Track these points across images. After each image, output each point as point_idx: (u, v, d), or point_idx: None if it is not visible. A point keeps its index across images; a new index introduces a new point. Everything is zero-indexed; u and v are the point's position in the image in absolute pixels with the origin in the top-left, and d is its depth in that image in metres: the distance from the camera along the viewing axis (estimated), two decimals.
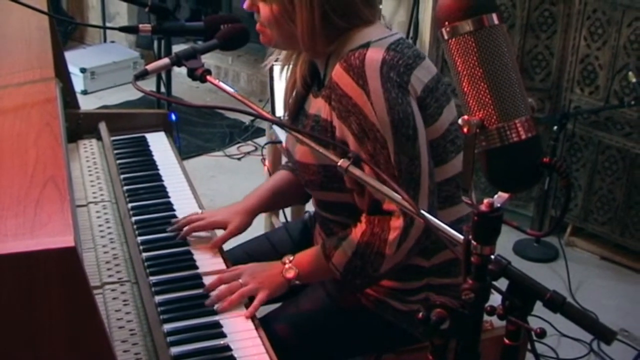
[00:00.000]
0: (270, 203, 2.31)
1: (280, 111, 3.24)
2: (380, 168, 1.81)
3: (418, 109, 1.87)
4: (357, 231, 1.92)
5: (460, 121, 1.18)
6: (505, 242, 4.06)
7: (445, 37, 1.20)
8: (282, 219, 3.33)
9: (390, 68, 1.83)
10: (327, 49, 1.94)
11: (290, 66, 2.13)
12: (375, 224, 1.89)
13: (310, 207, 2.32)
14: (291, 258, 1.99)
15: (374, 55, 1.84)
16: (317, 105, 1.97)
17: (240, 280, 1.94)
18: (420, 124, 1.87)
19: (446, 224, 1.38)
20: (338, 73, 1.85)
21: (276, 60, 2.18)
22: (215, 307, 1.87)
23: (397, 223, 1.86)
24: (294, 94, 2.13)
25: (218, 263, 2.06)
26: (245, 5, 2.01)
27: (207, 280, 1.96)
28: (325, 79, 1.99)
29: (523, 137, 1.18)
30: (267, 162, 3.49)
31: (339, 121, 1.87)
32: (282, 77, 2.18)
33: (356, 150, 1.84)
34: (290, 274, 1.97)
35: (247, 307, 1.89)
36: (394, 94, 1.82)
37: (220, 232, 2.17)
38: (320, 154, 1.62)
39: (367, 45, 1.86)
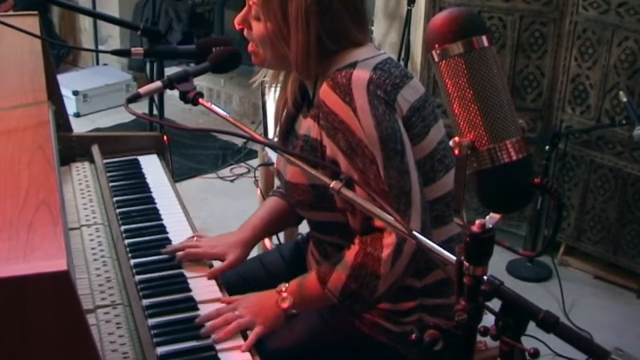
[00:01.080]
0: (265, 232, 2.29)
1: (272, 133, 3.25)
2: (370, 184, 1.82)
3: (404, 128, 1.87)
4: (351, 253, 1.91)
5: (451, 143, 1.19)
6: (499, 262, 4.06)
7: (436, 59, 1.21)
8: (274, 240, 3.32)
9: (377, 86, 1.84)
10: (317, 68, 1.94)
11: (279, 85, 2.13)
12: (368, 244, 1.88)
13: (302, 228, 2.32)
14: (286, 286, 1.96)
15: (361, 74, 1.84)
16: (307, 125, 1.97)
17: (236, 312, 1.92)
18: (407, 141, 1.87)
19: (437, 243, 1.38)
20: (325, 91, 1.86)
21: (264, 77, 2.17)
22: (212, 338, 1.86)
23: (389, 240, 1.85)
24: (284, 113, 2.13)
25: (211, 285, 2.05)
26: (236, 21, 2.00)
27: (202, 307, 1.95)
28: (314, 99, 1.99)
29: (514, 158, 1.18)
30: (259, 184, 3.49)
31: (328, 139, 1.87)
32: (273, 97, 2.18)
33: (346, 167, 1.84)
34: (286, 304, 1.94)
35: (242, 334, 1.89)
36: (381, 110, 1.83)
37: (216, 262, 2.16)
38: (311, 174, 1.62)
39: (354, 65, 1.87)
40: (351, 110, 1.82)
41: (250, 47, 2.01)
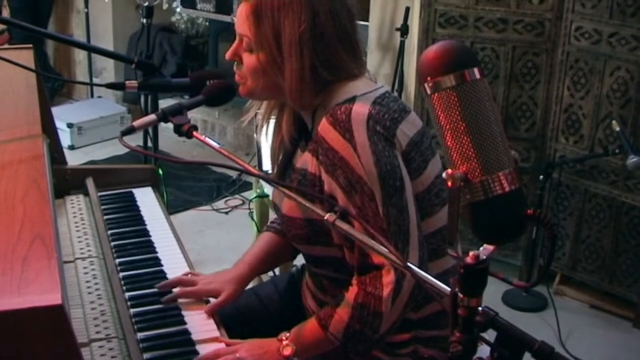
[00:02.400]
0: (260, 269, 2.29)
1: (267, 165, 3.25)
2: (368, 221, 1.81)
3: (403, 163, 1.88)
4: (350, 295, 1.89)
5: (444, 175, 1.19)
6: (494, 292, 4.06)
7: (428, 92, 1.21)
8: (269, 272, 3.32)
9: (377, 122, 1.84)
10: (313, 101, 1.94)
11: (272, 122, 2.13)
12: (368, 284, 1.87)
13: (298, 261, 2.32)
14: (287, 334, 1.95)
15: (360, 109, 1.84)
16: (304, 159, 1.97)
17: (237, 355, 1.90)
18: (407, 177, 1.87)
19: (433, 276, 1.38)
20: (324, 127, 1.85)
21: (255, 115, 2.17)
22: None
23: (388, 278, 1.84)
24: (281, 153, 2.13)
25: (207, 318, 2.05)
26: (227, 55, 2.01)
27: (199, 345, 1.94)
28: (312, 132, 1.99)
29: (507, 189, 1.19)
30: (254, 216, 3.49)
31: (327, 175, 1.87)
32: (266, 133, 2.18)
33: (345, 204, 1.84)
34: (288, 351, 1.92)
35: None
36: (381, 146, 1.83)
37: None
38: (307, 208, 1.62)
39: (353, 100, 1.86)
40: (351, 147, 1.81)
41: (237, 77, 2.00)
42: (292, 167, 2.06)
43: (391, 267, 1.84)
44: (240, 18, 1.95)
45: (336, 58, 1.91)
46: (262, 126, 2.16)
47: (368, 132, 1.82)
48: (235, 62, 2.00)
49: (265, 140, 2.18)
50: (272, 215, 2.43)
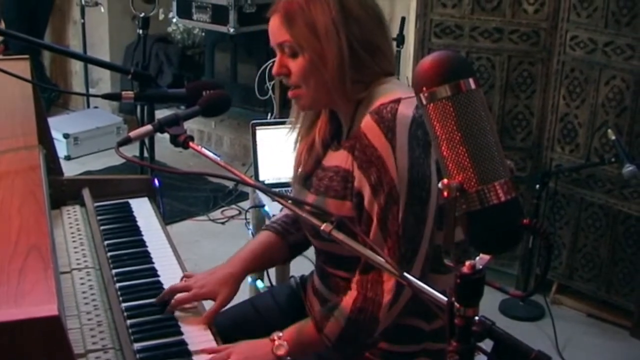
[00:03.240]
0: (255, 266, 2.27)
1: (263, 175, 3.25)
2: (386, 222, 1.84)
3: (436, 171, 1.88)
4: (349, 298, 1.90)
5: (440, 185, 1.19)
6: (491, 301, 4.05)
7: (424, 102, 1.22)
8: (266, 282, 3.32)
9: (419, 126, 1.85)
10: (356, 95, 1.96)
11: (303, 129, 2.14)
12: (368, 289, 1.88)
13: (294, 271, 2.31)
14: (280, 334, 1.95)
15: (406, 112, 1.85)
16: (338, 158, 1.98)
17: (230, 358, 1.90)
18: (435, 188, 1.87)
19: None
20: (368, 124, 1.87)
21: (296, 124, 2.16)
22: None
23: (390, 285, 1.86)
24: (309, 157, 2.11)
25: (203, 328, 2.04)
26: (274, 70, 2.01)
27: (198, 359, 1.93)
28: (351, 130, 2.00)
29: (502, 199, 1.19)
30: (251, 226, 3.49)
31: (359, 171, 1.89)
32: (266, 141, 2.18)
33: (369, 200, 1.86)
34: (281, 351, 1.92)
35: None
36: (418, 152, 1.84)
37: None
38: (340, 206, 1.66)
39: (398, 101, 1.88)
40: (390, 148, 1.83)
41: (291, 93, 2.02)
42: (322, 167, 2.05)
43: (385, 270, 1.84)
44: (274, 29, 1.97)
45: (373, 37, 1.94)
46: (299, 133, 2.15)
47: (409, 135, 1.84)
48: (283, 78, 2.01)
49: (294, 150, 2.17)
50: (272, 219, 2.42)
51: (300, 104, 2.04)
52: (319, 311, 1.99)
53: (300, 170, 2.15)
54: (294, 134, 2.17)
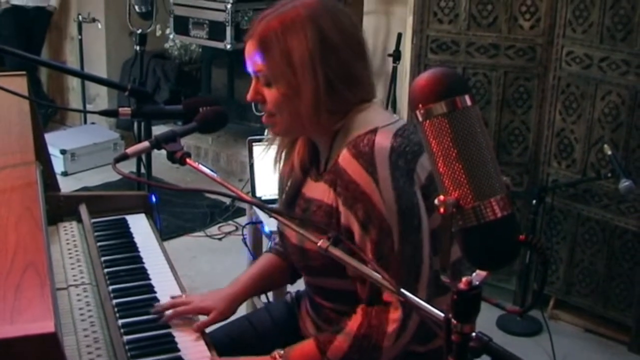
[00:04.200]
0: (257, 289, 2.28)
1: (260, 191, 3.25)
2: (383, 256, 1.81)
3: (422, 198, 1.86)
4: (354, 323, 1.89)
5: (436, 201, 1.19)
6: (489, 317, 4.05)
7: (420, 119, 1.22)
8: (263, 299, 3.32)
9: (399, 155, 1.83)
10: (332, 125, 1.93)
11: (284, 153, 2.11)
12: (373, 316, 1.87)
13: (292, 287, 2.31)
14: (280, 352, 1.94)
15: (383, 142, 1.82)
16: (319, 191, 1.95)
17: None
18: (424, 214, 1.86)
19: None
20: (346, 159, 1.84)
21: (274, 142, 2.14)
22: None
23: (395, 315, 1.84)
24: (289, 182, 2.10)
25: (200, 345, 2.04)
26: (248, 97, 1.98)
27: None
28: (329, 160, 1.97)
29: (499, 215, 1.19)
30: (248, 242, 3.49)
31: (344, 207, 1.86)
32: (263, 158, 2.17)
33: (360, 237, 1.83)
34: None
35: None
36: (402, 182, 1.82)
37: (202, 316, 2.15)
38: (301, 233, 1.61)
39: (375, 131, 1.85)
40: (373, 182, 1.80)
41: (265, 119, 1.98)
42: (302, 197, 2.03)
43: (399, 305, 1.83)
44: (250, 56, 1.92)
45: (352, 68, 1.89)
46: (279, 158, 2.13)
47: (391, 166, 1.81)
48: (259, 104, 1.98)
49: (275, 170, 2.16)
50: (266, 242, 2.43)
51: (273, 131, 2.02)
52: (322, 334, 1.96)
53: (283, 195, 2.14)
54: (272, 153, 2.14)
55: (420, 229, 1.85)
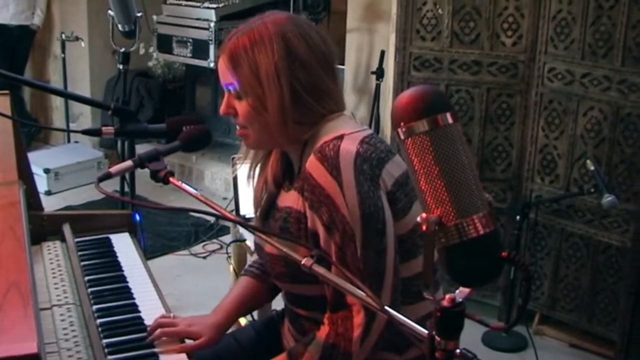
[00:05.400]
0: (239, 314, 2.29)
1: (244, 209, 3.25)
2: (346, 260, 1.83)
3: (388, 204, 1.89)
4: (322, 334, 1.91)
5: (419, 219, 1.20)
6: (474, 333, 4.05)
7: (402, 137, 1.23)
8: (249, 316, 3.31)
9: (364, 160, 1.86)
10: (301, 136, 1.96)
11: (258, 168, 2.14)
12: (339, 324, 1.89)
13: (276, 305, 2.31)
14: None
15: (349, 147, 1.86)
16: (290, 199, 1.98)
17: None
18: (390, 219, 1.88)
19: (418, 318, 1.39)
20: (312, 164, 1.87)
21: (246, 158, 2.18)
22: None
23: (359, 320, 1.86)
24: (264, 195, 2.13)
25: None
26: (221, 110, 2.02)
27: None
28: (300, 170, 2.00)
29: (481, 232, 1.19)
30: (232, 261, 3.48)
31: (310, 211, 1.88)
32: (246, 176, 2.19)
33: (325, 240, 1.86)
34: None
35: None
36: (366, 187, 1.84)
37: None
38: (289, 246, 1.62)
39: (341, 138, 1.88)
40: (337, 185, 1.83)
41: (239, 131, 2.03)
42: (276, 207, 2.06)
43: (361, 308, 1.85)
44: (222, 70, 1.98)
45: (318, 80, 1.93)
46: (252, 170, 2.16)
47: (355, 171, 1.84)
48: (232, 117, 2.02)
49: (248, 185, 2.19)
50: (250, 260, 2.43)
51: (247, 144, 2.06)
52: (295, 346, 1.99)
53: (258, 210, 2.17)
54: (245, 169, 2.18)
55: (384, 234, 1.86)
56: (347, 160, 1.84)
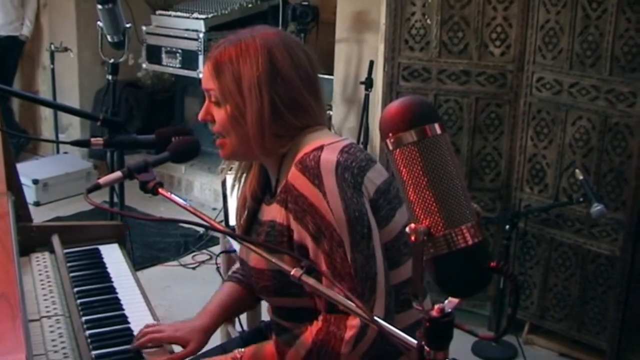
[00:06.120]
0: (224, 318, 2.29)
1: (233, 220, 3.24)
2: (336, 267, 1.83)
3: (371, 211, 1.90)
4: (313, 329, 1.91)
5: (407, 229, 1.20)
6: (464, 342, 4.05)
7: (390, 147, 1.23)
8: (238, 327, 3.31)
9: (345, 169, 1.87)
10: (279, 150, 1.98)
11: (244, 176, 2.16)
12: (332, 322, 1.89)
13: (265, 316, 2.31)
14: (242, 351, 2.00)
15: (329, 157, 1.87)
16: (272, 212, 1.99)
17: None
18: (374, 225, 1.89)
19: (405, 326, 1.39)
20: (294, 175, 1.88)
21: (230, 170, 2.20)
22: None
23: (354, 322, 1.86)
24: (245, 212, 2.15)
25: None
26: (200, 116, 2.05)
27: None
28: (278, 184, 2.01)
29: (470, 242, 1.20)
30: (222, 271, 3.48)
31: (296, 222, 1.89)
32: (236, 189, 2.20)
33: (313, 250, 1.86)
34: None
35: None
36: (349, 193, 1.85)
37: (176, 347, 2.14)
38: (273, 262, 1.63)
39: (321, 149, 1.90)
40: (320, 193, 1.84)
41: (217, 142, 2.04)
42: (258, 222, 2.07)
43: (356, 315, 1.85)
44: (205, 75, 2.01)
45: (299, 98, 1.96)
46: (233, 185, 2.18)
47: (337, 179, 1.85)
48: (209, 124, 2.04)
49: (230, 196, 2.21)
50: (234, 268, 2.43)
51: (222, 154, 2.07)
52: (282, 337, 2.00)
53: (239, 222, 2.19)
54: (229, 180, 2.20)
55: (370, 238, 1.87)
56: (328, 169, 1.86)
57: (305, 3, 5.65)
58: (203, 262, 5.23)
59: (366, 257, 1.86)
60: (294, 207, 1.89)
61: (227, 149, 2.03)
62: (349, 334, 1.86)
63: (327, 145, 1.92)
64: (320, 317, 1.93)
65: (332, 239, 1.84)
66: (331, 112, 5.30)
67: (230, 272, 2.38)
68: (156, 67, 6.42)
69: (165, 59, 6.20)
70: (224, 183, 3.25)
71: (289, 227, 1.92)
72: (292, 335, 1.96)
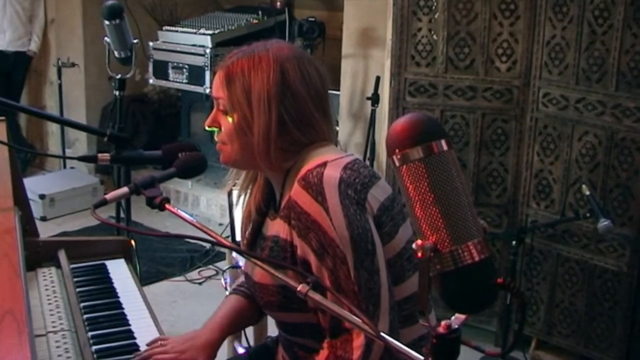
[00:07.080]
0: (230, 331, 2.28)
1: (240, 235, 3.24)
2: (340, 284, 1.83)
3: (375, 227, 1.89)
4: (321, 357, 1.91)
5: (414, 246, 1.20)
6: (471, 358, 4.02)
7: (397, 164, 1.23)
8: (244, 343, 3.30)
9: (348, 186, 1.87)
10: (283, 164, 1.99)
11: (246, 198, 2.17)
12: (338, 347, 1.88)
13: (272, 332, 2.30)
14: None
15: (332, 174, 1.87)
16: (276, 227, 1.99)
17: None
18: (378, 241, 1.89)
19: (408, 342, 1.38)
20: (297, 192, 1.88)
21: (234, 185, 2.21)
22: None
23: (359, 342, 1.85)
24: (250, 224, 2.16)
25: None
26: (207, 122, 2.06)
27: None
28: (282, 198, 2.02)
29: (476, 259, 1.20)
30: (228, 287, 3.48)
31: (299, 239, 1.89)
32: (241, 203, 2.20)
33: (317, 266, 1.86)
34: None
35: None
36: (352, 209, 1.85)
37: None
38: (280, 277, 1.63)
39: (324, 165, 1.90)
40: (323, 210, 1.84)
41: (218, 145, 2.05)
42: (263, 237, 2.08)
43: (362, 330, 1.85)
44: (215, 83, 2.02)
45: (307, 114, 1.96)
46: (239, 198, 2.18)
47: (340, 195, 1.85)
48: (215, 131, 2.05)
49: (235, 209, 2.21)
50: (239, 281, 2.42)
51: (221, 159, 2.08)
52: None
53: (245, 239, 2.19)
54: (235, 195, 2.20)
55: (374, 255, 1.87)
56: (331, 185, 1.86)
57: (312, 19, 5.67)
58: (209, 277, 5.23)
59: (370, 273, 1.85)
60: (297, 224, 1.89)
61: (225, 155, 2.04)
62: (355, 355, 1.85)
63: (331, 161, 1.92)
64: (325, 344, 1.93)
65: (336, 255, 1.84)
66: (337, 128, 5.30)
67: (234, 285, 2.37)
68: (163, 83, 6.44)
69: (171, 74, 6.22)
70: (230, 194, 3.25)
71: (293, 242, 1.92)
72: None
